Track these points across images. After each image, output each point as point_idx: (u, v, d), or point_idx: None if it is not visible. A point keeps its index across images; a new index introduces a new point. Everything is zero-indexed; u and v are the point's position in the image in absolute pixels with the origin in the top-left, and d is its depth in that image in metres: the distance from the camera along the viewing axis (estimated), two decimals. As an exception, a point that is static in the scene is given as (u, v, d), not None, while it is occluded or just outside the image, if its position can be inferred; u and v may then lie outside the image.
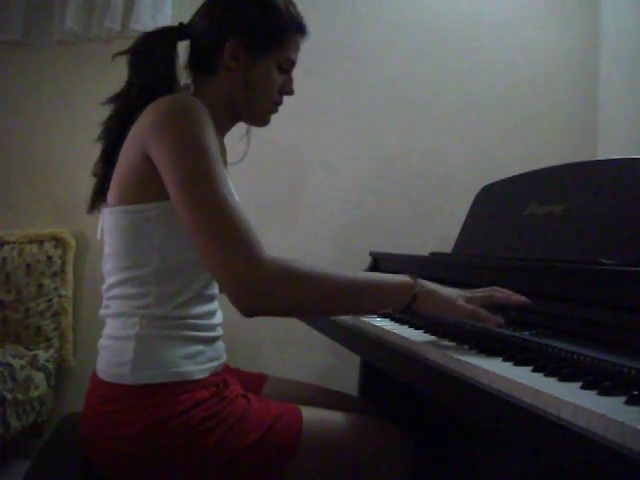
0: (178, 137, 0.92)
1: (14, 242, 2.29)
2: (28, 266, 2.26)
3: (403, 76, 2.44)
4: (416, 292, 0.97)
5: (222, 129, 1.13)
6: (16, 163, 2.43)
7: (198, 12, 1.12)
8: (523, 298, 0.96)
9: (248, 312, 0.89)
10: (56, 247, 2.30)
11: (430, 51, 2.44)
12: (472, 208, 1.73)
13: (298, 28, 1.12)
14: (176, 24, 1.12)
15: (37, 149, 2.42)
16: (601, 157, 2.21)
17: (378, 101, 2.43)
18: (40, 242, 2.30)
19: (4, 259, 2.26)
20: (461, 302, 0.96)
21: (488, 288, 1.00)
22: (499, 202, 1.59)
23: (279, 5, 1.09)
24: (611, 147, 2.29)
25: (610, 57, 2.35)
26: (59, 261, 2.29)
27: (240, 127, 1.20)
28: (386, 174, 2.42)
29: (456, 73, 2.44)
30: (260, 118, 1.15)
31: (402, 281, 0.98)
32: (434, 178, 2.42)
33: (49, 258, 2.28)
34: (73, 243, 2.32)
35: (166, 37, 1.08)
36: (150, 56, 1.05)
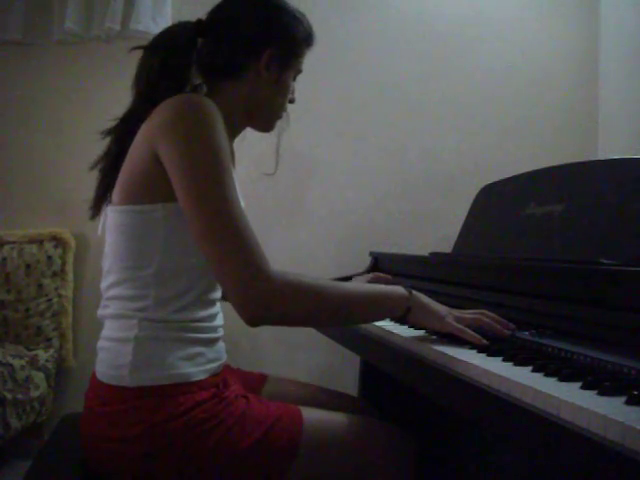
0: (188, 138, 0.91)
1: (14, 242, 2.29)
2: (28, 266, 2.26)
3: (403, 76, 2.43)
4: (410, 305, 1.01)
5: (233, 133, 1.12)
6: (16, 163, 2.43)
7: (223, 13, 1.10)
8: (506, 329, 1.00)
9: (253, 322, 0.90)
10: (56, 247, 2.30)
11: (430, 51, 2.44)
12: (472, 208, 1.73)
13: (311, 40, 1.15)
14: (194, 20, 1.09)
15: (37, 149, 2.42)
16: (601, 157, 2.21)
17: (378, 101, 2.42)
18: (40, 242, 2.29)
19: (4, 259, 2.26)
20: (450, 320, 1.01)
21: (477, 311, 1.04)
22: (499, 202, 1.59)
23: (302, 18, 1.13)
24: (611, 147, 2.29)
25: (610, 57, 2.34)
26: (59, 261, 2.29)
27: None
28: (386, 174, 2.42)
29: (456, 73, 2.44)
30: (271, 124, 1.17)
31: (398, 294, 1.02)
32: (434, 178, 2.42)
33: (49, 258, 2.28)
34: (73, 243, 2.32)
35: (186, 33, 1.06)
36: (170, 53, 1.03)
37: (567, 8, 2.45)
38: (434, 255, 1.67)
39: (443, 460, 1.55)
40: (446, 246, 1.78)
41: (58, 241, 2.30)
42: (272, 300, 0.89)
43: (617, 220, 1.14)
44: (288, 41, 1.10)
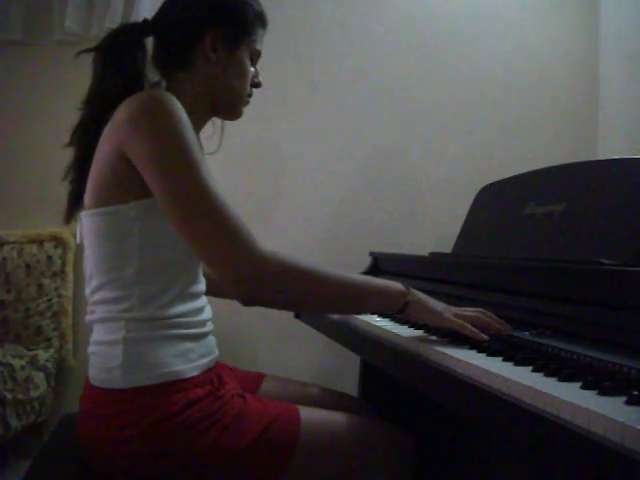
0: (154, 131, 0.90)
1: (14, 242, 2.29)
2: (28, 266, 2.26)
3: (403, 75, 2.43)
4: (408, 300, 1.01)
5: (198, 125, 1.11)
6: (16, 163, 2.43)
7: (166, 7, 1.10)
8: (503, 329, 0.99)
9: (247, 301, 0.91)
10: (56, 247, 2.30)
11: (429, 50, 2.44)
12: (472, 208, 1.73)
13: (263, 19, 1.14)
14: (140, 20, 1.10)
15: (37, 149, 2.42)
16: (601, 157, 2.21)
17: (378, 101, 2.42)
18: (40, 242, 2.29)
19: (4, 259, 2.26)
20: (448, 315, 1.00)
21: (475, 309, 1.03)
22: (499, 202, 1.59)
23: (249, 0, 1.11)
24: (611, 147, 2.29)
25: (610, 57, 2.34)
26: (59, 261, 2.29)
27: (209, 124, 1.18)
28: (386, 174, 2.42)
29: (456, 73, 2.44)
30: (236, 111, 1.14)
31: (396, 288, 1.02)
32: (434, 178, 2.42)
33: (49, 258, 2.28)
34: (73, 243, 2.32)
35: (132, 33, 1.06)
36: (118, 54, 1.03)
37: (567, 8, 2.45)
38: (434, 255, 1.67)
39: (443, 460, 1.55)
40: (446, 246, 1.78)
41: (58, 241, 2.30)
42: (264, 278, 0.89)
43: (617, 220, 1.13)
44: (232, 21, 1.08)
